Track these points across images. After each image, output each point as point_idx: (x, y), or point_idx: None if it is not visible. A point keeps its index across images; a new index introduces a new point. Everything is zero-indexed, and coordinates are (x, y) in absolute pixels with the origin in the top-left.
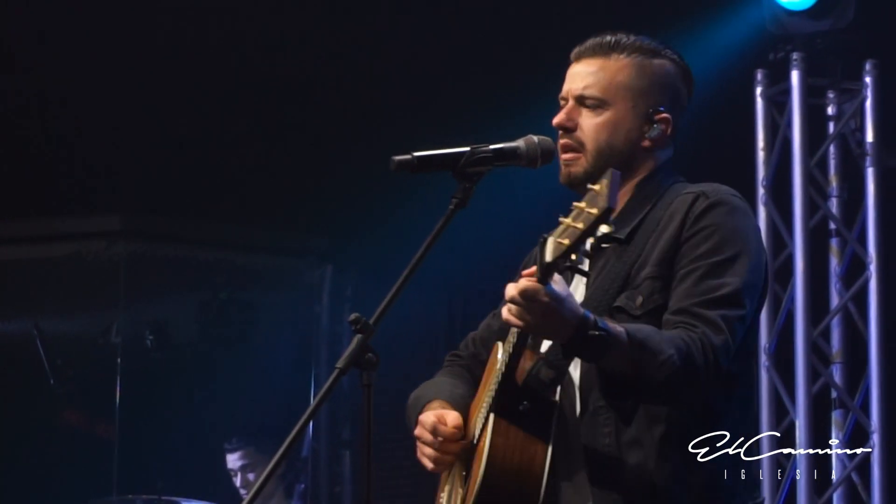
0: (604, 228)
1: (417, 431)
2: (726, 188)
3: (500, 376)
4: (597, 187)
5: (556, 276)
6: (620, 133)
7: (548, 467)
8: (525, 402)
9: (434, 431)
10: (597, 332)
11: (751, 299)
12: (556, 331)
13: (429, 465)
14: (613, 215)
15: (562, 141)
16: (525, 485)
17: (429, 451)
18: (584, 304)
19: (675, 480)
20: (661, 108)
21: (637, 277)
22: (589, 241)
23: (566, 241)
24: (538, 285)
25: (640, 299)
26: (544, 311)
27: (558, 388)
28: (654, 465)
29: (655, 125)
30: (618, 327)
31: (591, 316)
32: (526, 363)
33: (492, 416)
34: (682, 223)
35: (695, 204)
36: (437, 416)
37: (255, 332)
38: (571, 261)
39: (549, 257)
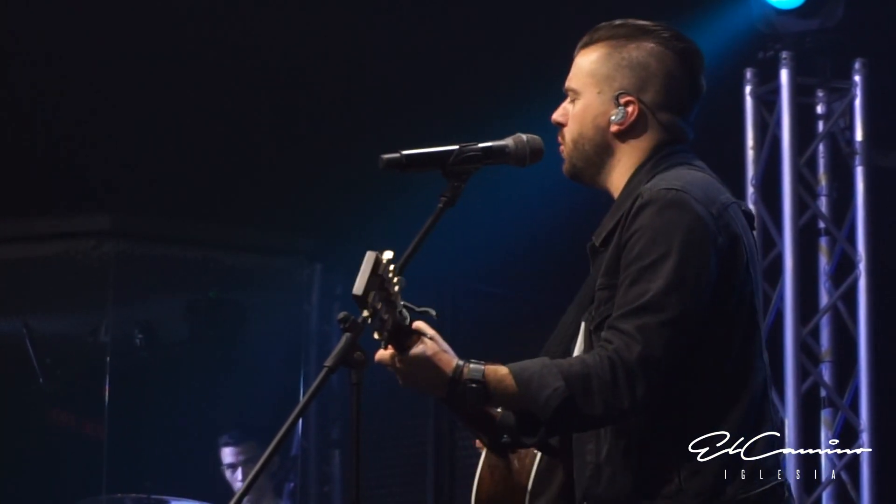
0: (365, 313)
1: None
2: (669, 181)
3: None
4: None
5: (421, 338)
6: (588, 120)
7: (528, 499)
8: (505, 436)
9: None
10: (472, 385)
11: (681, 298)
12: (428, 389)
13: None
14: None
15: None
16: None
17: None
18: (564, 319)
19: (642, 492)
20: (627, 91)
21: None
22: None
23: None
24: (386, 353)
25: (593, 312)
26: (406, 376)
27: None
28: (621, 477)
29: (619, 108)
30: (500, 371)
31: (466, 369)
32: None
33: (484, 451)
34: (622, 227)
35: (633, 205)
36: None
37: (244, 331)
38: (382, 337)
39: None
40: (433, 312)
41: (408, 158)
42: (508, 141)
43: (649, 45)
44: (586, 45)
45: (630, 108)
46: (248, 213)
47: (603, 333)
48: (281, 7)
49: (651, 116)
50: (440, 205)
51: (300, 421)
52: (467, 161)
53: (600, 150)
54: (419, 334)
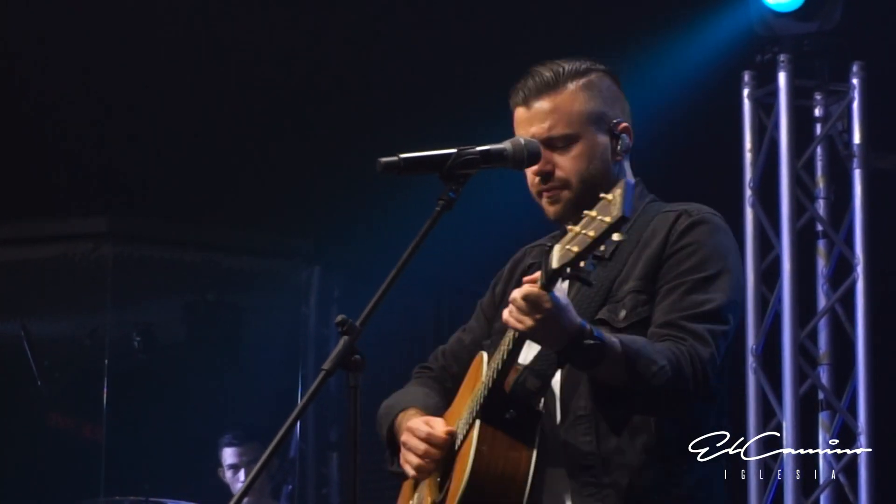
0: (616, 237)
1: (405, 438)
2: (707, 207)
3: (490, 383)
4: (609, 196)
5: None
6: (597, 158)
7: (531, 475)
8: (511, 411)
9: (428, 439)
10: (592, 342)
11: (734, 315)
12: (554, 338)
13: (411, 472)
14: (627, 225)
15: (544, 187)
16: (508, 491)
17: (414, 458)
18: None
19: (654, 490)
20: (619, 120)
21: (619, 292)
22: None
23: (576, 249)
24: (542, 292)
25: (623, 312)
26: (545, 318)
27: (542, 398)
28: (633, 474)
29: (621, 137)
30: (612, 338)
31: (588, 325)
32: (512, 373)
33: (478, 422)
34: (664, 240)
35: (677, 222)
36: (428, 423)
37: (242, 333)
38: (579, 268)
39: (555, 264)
40: None
41: (406, 162)
42: (506, 144)
43: (604, 76)
44: (553, 90)
45: (627, 135)
46: (246, 216)
47: (662, 329)
48: (280, 10)
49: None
50: (438, 208)
51: (298, 423)
52: (465, 164)
53: (605, 181)
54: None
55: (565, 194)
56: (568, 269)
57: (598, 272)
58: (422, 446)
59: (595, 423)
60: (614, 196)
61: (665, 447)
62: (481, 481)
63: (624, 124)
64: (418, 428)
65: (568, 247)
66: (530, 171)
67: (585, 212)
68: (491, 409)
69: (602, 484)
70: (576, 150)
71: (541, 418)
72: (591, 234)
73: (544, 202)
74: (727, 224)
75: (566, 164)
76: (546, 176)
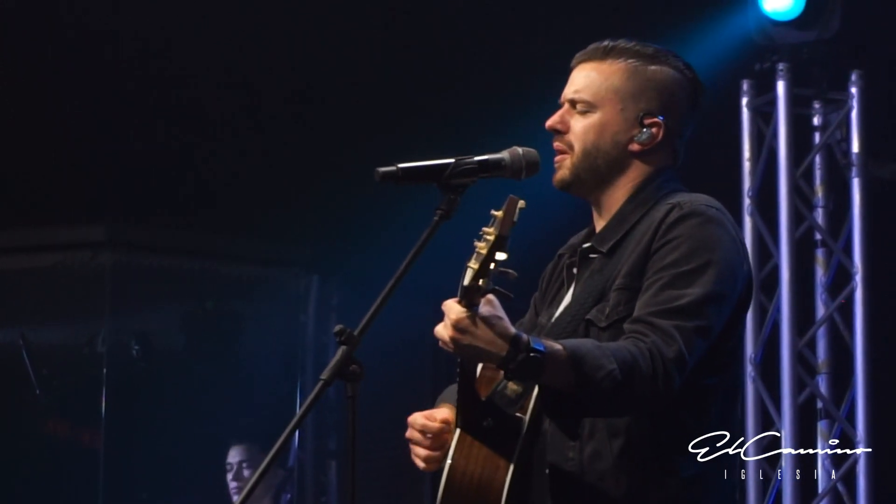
0: (500, 256)
1: (408, 433)
2: (705, 199)
3: (456, 394)
4: (498, 213)
5: (490, 298)
6: (607, 135)
7: (508, 486)
8: (489, 419)
9: (423, 429)
10: (530, 354)
11: (716, 310)
12: (484, 354)
13: (420, 464)
14: (599, 231)
15: (554, 144)
16: (485, 502)
17: (419, 450)
18: (561, 316)
19: (634, 494)
20: (652, 113)
21: (610, 290)
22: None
23: (475, 266)
24: (458, 308)
25: (607, 311)
26: (468, 331)
27: (531, 404)
28: (612, 478)
29: (645, 129)
30: (555, 345)
31: (524, 337)
32: (493, 379)
33: (457, 431)
34: (653, 234)
35: (668, 215)
36: (426, 415)
37: (240, 342)
38: (482, 285)
39: (465, 281)
40: (514, 273)
41: (404, 171)
42: (504, 154)
43: (669, 71)
44: (600, 59)
45: (655, 130)
46: (245, 224)
47: (631, 325)
48: (277, 21)
49: (668, 140)
50: (436, 218)
51: (297, 432)
52: (463, 174)
53: (613, 166)
54: (488, 295)
55: (568, 161)
56: (474, 286)
57: (601, 269)
58: (418, 436)
59: (581, 428)
60: (500, 213)
61: (644, 450)
62: (456, 492)
63: (654, 119)
64: (415, 421)
65: (470, 264)
66: (548, 125)
67: (484, 228)
68: (469, 418)
69: (582, 491)
70: (590, 119)
71: (522, 426)
72: (483, 251)
73: (555, 166)
74: (730, 216)
75: (577, 127)
76: (557, 132)
